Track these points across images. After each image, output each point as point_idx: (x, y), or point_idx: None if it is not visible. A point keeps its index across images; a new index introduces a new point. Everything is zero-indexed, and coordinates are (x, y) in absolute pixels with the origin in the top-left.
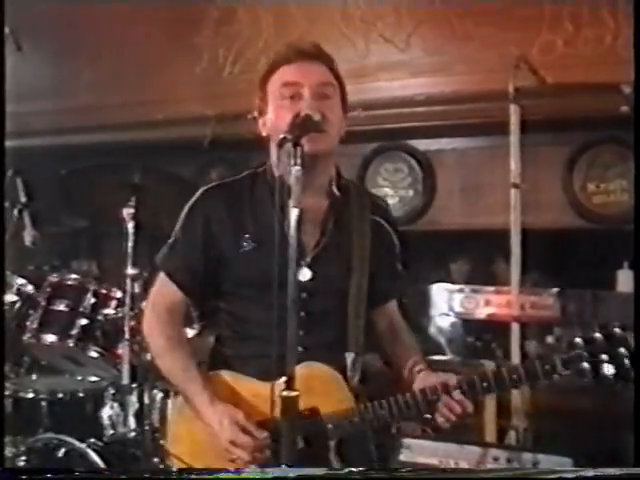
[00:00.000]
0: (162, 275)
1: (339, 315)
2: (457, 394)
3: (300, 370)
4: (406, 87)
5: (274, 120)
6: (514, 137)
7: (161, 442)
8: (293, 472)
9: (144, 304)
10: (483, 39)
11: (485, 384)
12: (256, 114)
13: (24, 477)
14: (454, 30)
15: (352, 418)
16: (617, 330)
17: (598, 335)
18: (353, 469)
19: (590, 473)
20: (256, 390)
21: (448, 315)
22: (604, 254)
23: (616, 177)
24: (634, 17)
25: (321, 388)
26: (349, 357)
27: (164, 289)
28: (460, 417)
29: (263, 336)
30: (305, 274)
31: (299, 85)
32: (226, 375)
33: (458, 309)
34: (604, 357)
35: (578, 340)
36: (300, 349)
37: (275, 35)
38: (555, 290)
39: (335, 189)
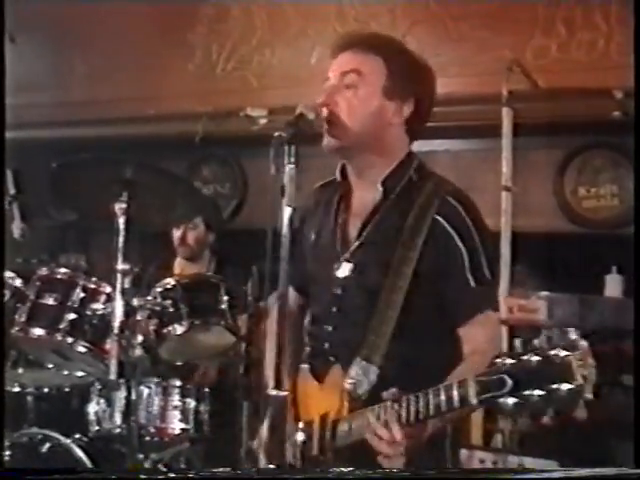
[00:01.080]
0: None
1: (366, 316)
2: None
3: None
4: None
5: None
6: (506, 140)
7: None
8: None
9: (134, 300)
10: (477, 42)
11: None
12: None
13: (28, 477)
14: (448, 32)
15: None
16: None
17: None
18: (346, 470)
19: (587, 473)
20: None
21: None
22: (593, 259)
23: (607, 182)
24: (634, 21)
25: (323, 390)
26: (356, 362)
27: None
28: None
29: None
30: (344, 270)
31: (328, 79)
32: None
33: None
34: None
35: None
36: (326, 345)
37: (269, 33)
38: (543, 294)
39: (379, 185)
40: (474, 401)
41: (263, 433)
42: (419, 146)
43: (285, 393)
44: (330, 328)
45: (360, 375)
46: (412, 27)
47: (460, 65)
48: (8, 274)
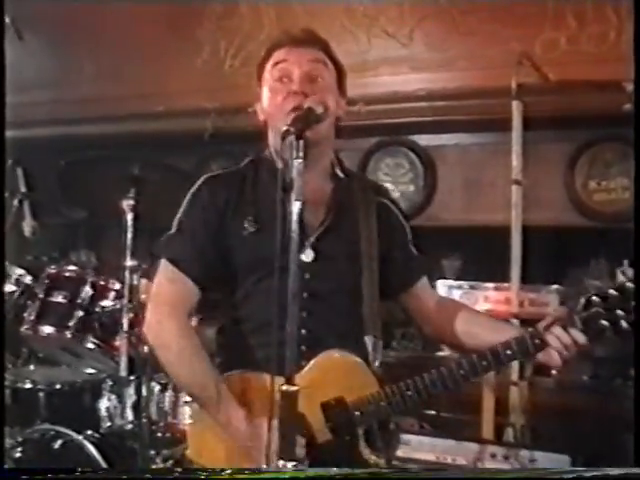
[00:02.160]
0: (165, 265)
1: (348, 298)
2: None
3: (321, 360)
4: (408, 82)
5: (268, 103)
6: (516, 134)
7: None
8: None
9: (143, 296)
10: (486, 35)
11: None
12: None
13: (25, 477)
14: (457, 25)
15: (378, 402)
16: (629, 285)
17: (612, 292)
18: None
19: (589, 473)
20: (263, 383)
21: None
22: (604, 252)
23: (618, 175)
24: (634, 14)
25: (344, 375)
26: (369, 341)
27: (172, 280)
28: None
29: (267, 324)
30: (308, 254)
31: (288, 63)
32: (236, 373)
33: None
34: (620, 312)
35: (594, 298)
36: (304, 331)
37: (277, 29)
38: (554, 287)
39: (339, 171)
40: None
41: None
42: (429, 140)
43: (296, 388)
44: (304, 314)
45: (374, 351)
46: (420, 21)
47: (469, 59)
48: (18, 271)
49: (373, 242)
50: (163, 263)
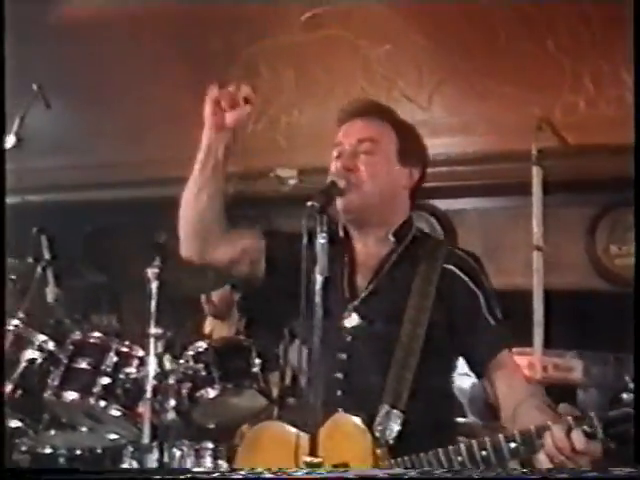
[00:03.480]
0: None
1: (383, 364)
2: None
3: (330, 422)
4: (428, 146)
5: None
6: (536, 199)
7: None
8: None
9: (167, 363)
10: (504, 99)
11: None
12: None
13: (27, 477)
14: (475, 89)
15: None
16: None
17: None
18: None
19: (591, 474)
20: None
21: (469, 376)
22: (626, 317)
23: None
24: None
25: (348, 442)
26: (382, 409)
27: None
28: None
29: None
30: (352, 319)
31: (341, 145)
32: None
33: None
34: None
35: (625, 396)
36: (339, 393)
37: (296, 93)
38: (578, 352)
39: (391, 236)
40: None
41: None
42: (448, 205)
43: (319, 460)
44: (341, 375)
45: (386, 421)
46: (439, 85)
47: (488, 123)
48: (41, 337)
49: (424, 309)
50: None
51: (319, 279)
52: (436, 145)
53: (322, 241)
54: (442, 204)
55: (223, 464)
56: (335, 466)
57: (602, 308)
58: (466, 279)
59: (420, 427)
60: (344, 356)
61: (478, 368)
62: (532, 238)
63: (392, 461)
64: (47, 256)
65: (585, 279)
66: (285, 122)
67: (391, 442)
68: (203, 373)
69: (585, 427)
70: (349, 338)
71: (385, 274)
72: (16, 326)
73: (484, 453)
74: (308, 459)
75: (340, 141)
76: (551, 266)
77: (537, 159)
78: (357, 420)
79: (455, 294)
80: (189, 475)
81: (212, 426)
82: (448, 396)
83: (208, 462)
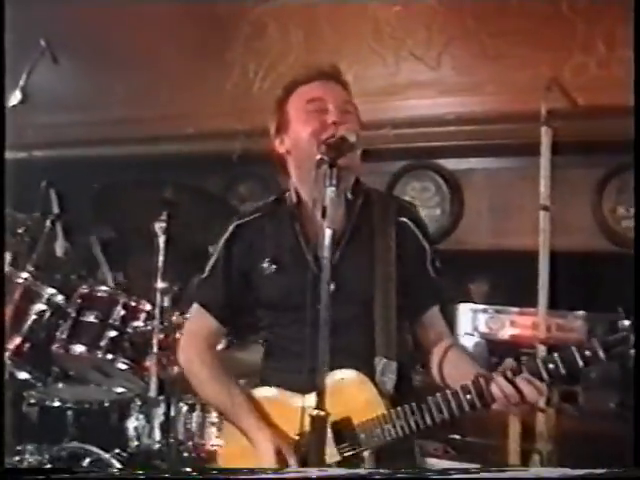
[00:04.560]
0: (197, 306)
1: (366, 321)
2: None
3: (329, 381)
4: (436, 106)
5: (297, 136)
6: (544, 159)
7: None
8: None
9: (174, 317)
10: (514, 59)
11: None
12: (272, 133)
13: (27, 477)
14: (485, 49)
15: (384, 425)
16: None
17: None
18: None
19: (587, 473)
20: (293, 404)
21: (472, 335)
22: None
23: None
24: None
25: (350, 395)
26: (379, 362)
27: (200, 320)
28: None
29: (299, 352)
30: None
31: (323, 101)
32: (269, 391)
33: (483, 329)
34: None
35: (625, 323)
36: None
37: (305, 51)
38: (582, 313)
39: (349, 194)
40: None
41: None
42: (456, 164)
43: (325, 412)
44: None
45: (385, 372)
46: (448, 45)
47: (497, 83)
48: (49, 290)
49: (390, 263)
50: (195, 305)
51: (328, 232)
52: (445, 104)
53: (331, 195)
54: (449, 163)
55: None
56: (337, 422)
57: (607, 270)
58: (417, 232)
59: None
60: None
61: (411, 317)
62: (539, 199)
63: (396, 410)
64: (56, 210)
65: (591, 240)
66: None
67: (391, 392)
68: None
69: (587, 351)
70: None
71: (348, 236)
72: (25, 279)
73: (443, 406)
74: (315, 412)
75: (321, 97)
76: (557, 227)
77: (546, 119)
78: (358, 373)
79: (408, 247)
80: (193, 475)
81: None
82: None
83: (213, 417)
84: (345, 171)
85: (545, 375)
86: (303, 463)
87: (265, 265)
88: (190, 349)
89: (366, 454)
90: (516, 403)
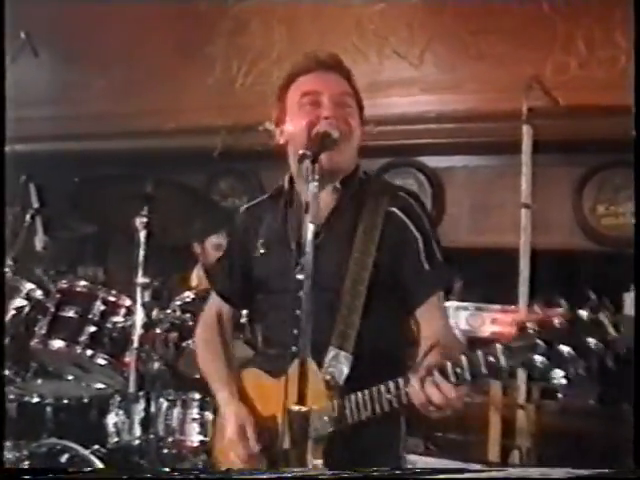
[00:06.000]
0: (213, 293)
1: (333, 310)
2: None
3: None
4: (418, 103)
5: (292, 128)
6: (525, 157)
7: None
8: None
9: (154, 312)
10: (496, 58)
11: (458, 370)
12: (273, 124)
13: (26, 477)
14: (467, 48)
15: (328, 414)
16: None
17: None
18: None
19: (586, 473)
20: (275, 388)
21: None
22: (612, 276)
23: (626, 200)
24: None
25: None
26: (331, 352)
27: (213, 302)
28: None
29: (279, 336)
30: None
31: (318, 93)
32: (252, 373)
33: (463, 326)
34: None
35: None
36: (294, 349)
37: (288, 47)
38: (561, 310)
39: (338, 184)
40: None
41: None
42: (438, 162)
43: (307, 408)
44: (296, 331)
45: (335, 364)
46: (430, 43)
47: (479, 81)
48: (29, 285)
49: (368, 253)
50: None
51: (311, 227)
52: (427, 102)
53: (314, 190)
54: (431, 161)
55: (209, 415)
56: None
57: (587, 267)
58: (408, 222)
59: (369, 369)
60: (298, 311)
61: (409, 310)
62: (520, 197)
63: (342, 400)
64: (36, 204)
65: (571, 238)
66: (277, 76)
67: (341, 384)
68: (190, 323)
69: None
70: (300, 293)
71: (330, 223)
72: (4, 274)
73: (388, 396)
74: (295, 408)
75: (316, 90)
76: (538, 225)
77: (527, 118)
78: (312, 362)
79: (397, 237)
80: (194, 474)
81: (198, 376)
82: (395, 338)
83: (194, 413)
84: (329, 166)
85: (453, 378)
86: (285, 459)
87: (257, 246)
88: (198, 326)
89: (310, 443)
90: (423, 405)
